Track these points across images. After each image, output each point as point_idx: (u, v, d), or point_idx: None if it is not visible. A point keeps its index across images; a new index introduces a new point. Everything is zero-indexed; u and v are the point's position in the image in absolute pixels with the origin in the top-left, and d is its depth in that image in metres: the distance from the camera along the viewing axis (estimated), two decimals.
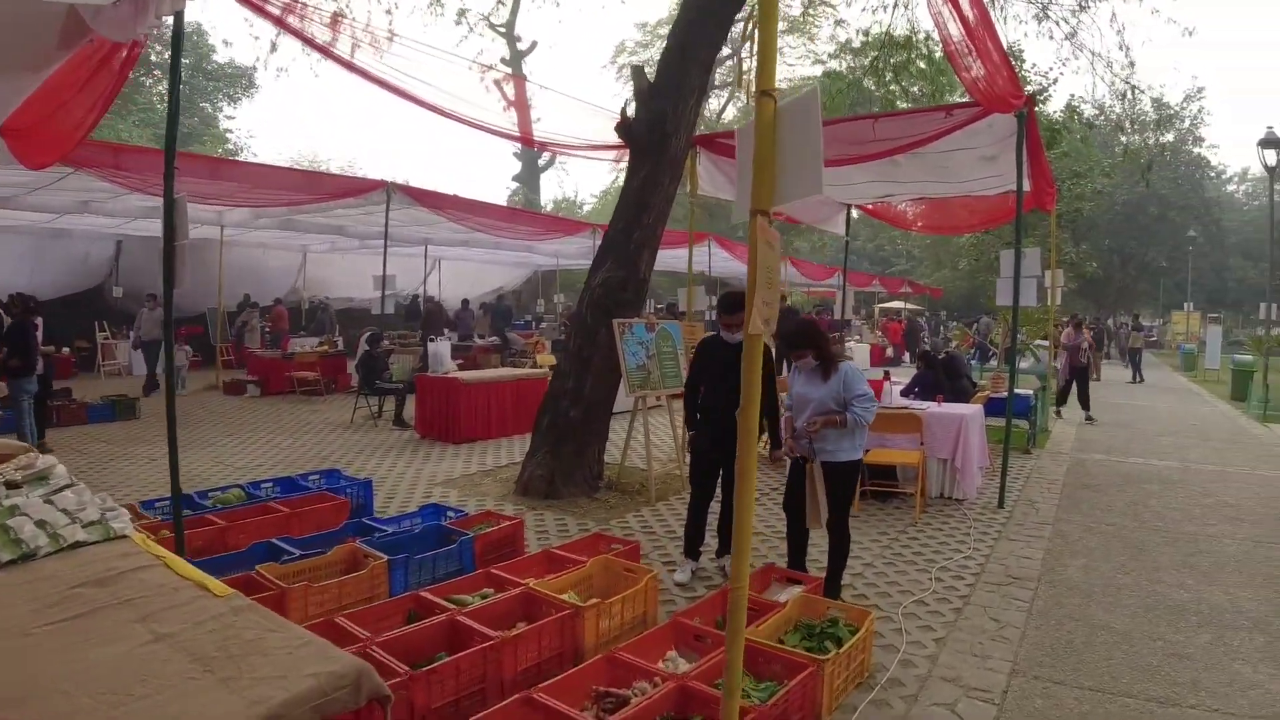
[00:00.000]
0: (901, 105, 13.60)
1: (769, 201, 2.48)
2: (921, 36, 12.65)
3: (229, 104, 39.66)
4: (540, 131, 11.44)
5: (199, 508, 6.86)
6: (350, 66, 7.97)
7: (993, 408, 10.38)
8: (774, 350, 6.96)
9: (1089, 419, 15.05)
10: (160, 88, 37.14)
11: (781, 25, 39.08)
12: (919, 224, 15.90)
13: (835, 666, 3.97)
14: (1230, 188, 65.66)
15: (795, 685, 3.71)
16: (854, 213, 14.95)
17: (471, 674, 3.94)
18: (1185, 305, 43.28)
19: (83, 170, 10.63)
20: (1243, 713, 4.19)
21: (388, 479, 9.19)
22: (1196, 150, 49.01)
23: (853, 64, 15.77)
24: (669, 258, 18.95)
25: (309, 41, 7.84)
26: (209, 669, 2.30)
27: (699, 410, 6.14)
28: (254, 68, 37.03)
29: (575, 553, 5.53)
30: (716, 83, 44.56)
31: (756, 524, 7.44)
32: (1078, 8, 11.62)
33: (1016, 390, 10.44)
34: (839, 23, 28.91)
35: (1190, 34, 12.71)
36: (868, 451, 8.08)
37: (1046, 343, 16.37)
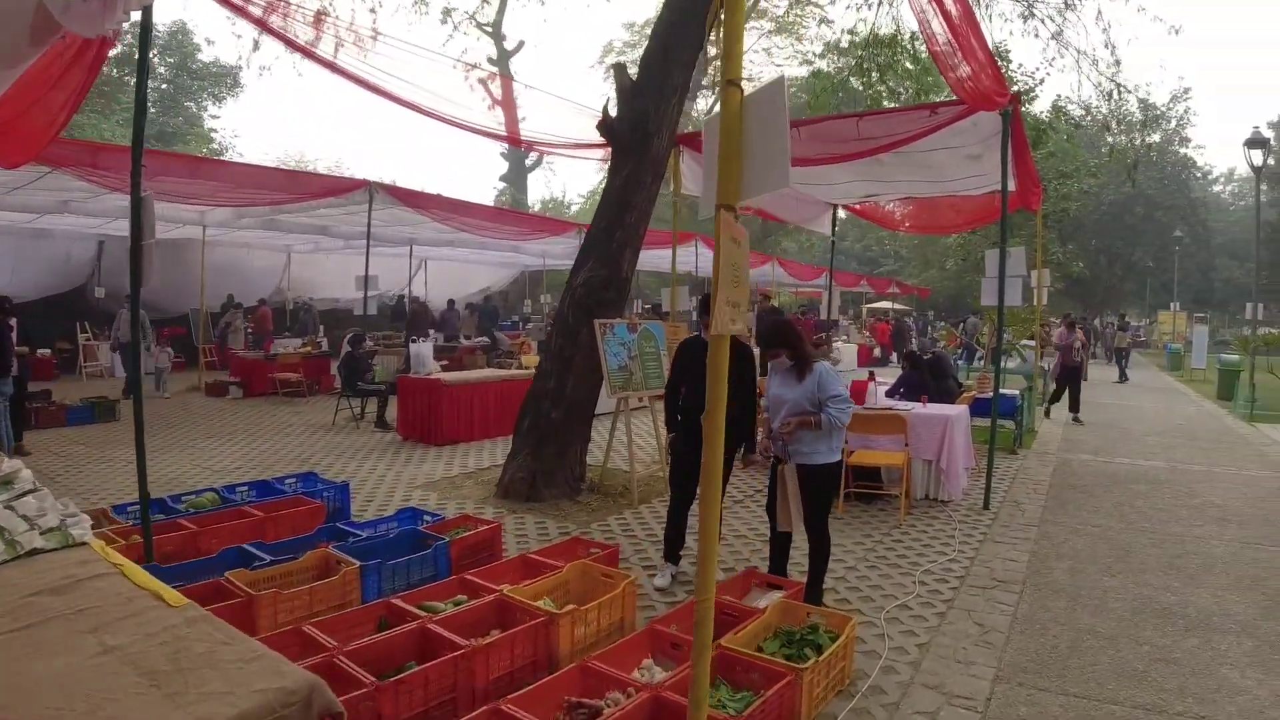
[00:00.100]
0: (888, 105, 13.53)
1: (735, 196, 2.38)
2: (907, 35, 12.57)
3: (214, 103, 39.38)
4: (526, 131, 11.37)
5: (172, 512, 6.75)
6: (332, 67, 7.88)
7: (979, 408, 10.32)
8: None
9: (1076, 419, 15.00)
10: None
11: (769, 26, 39.46)
12: (906, 224, 15.86)
13: (814, 675, 3.87)
14: (1217, 188, 66.04)
15: (772, 695, 3.62)
16: (841, 213, 14.89)
17: (441, 684, 3.84)
18: (1172, 305, 43.36)
19: (60, 170, 10.49)
20: (1230, 719, 4.11)
21: (367, 481, 9.07)
22: (1183, 151, 49.22)
23: (839, 64, 15.71)
24: (654, 257, 18.87)
25: (290, 42, 7.75)
26: (156, 683, 2.22)
27: (680, 412, 6.04)
28: (239, 67, 36.81)
29: (552, 557, 5.42)
30: (705, 83, 44.58)
31: (740, 527, 7.38)
32: (1064, 5, 11.55)
33: (1002, 390, 10.38)
34: (823, 21, 28.77)
35: (1177, 32, 12.67)
36: (852, 453, 8.04)
37: (1033, 342, 16.34)
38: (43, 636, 2.47)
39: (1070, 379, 15.40)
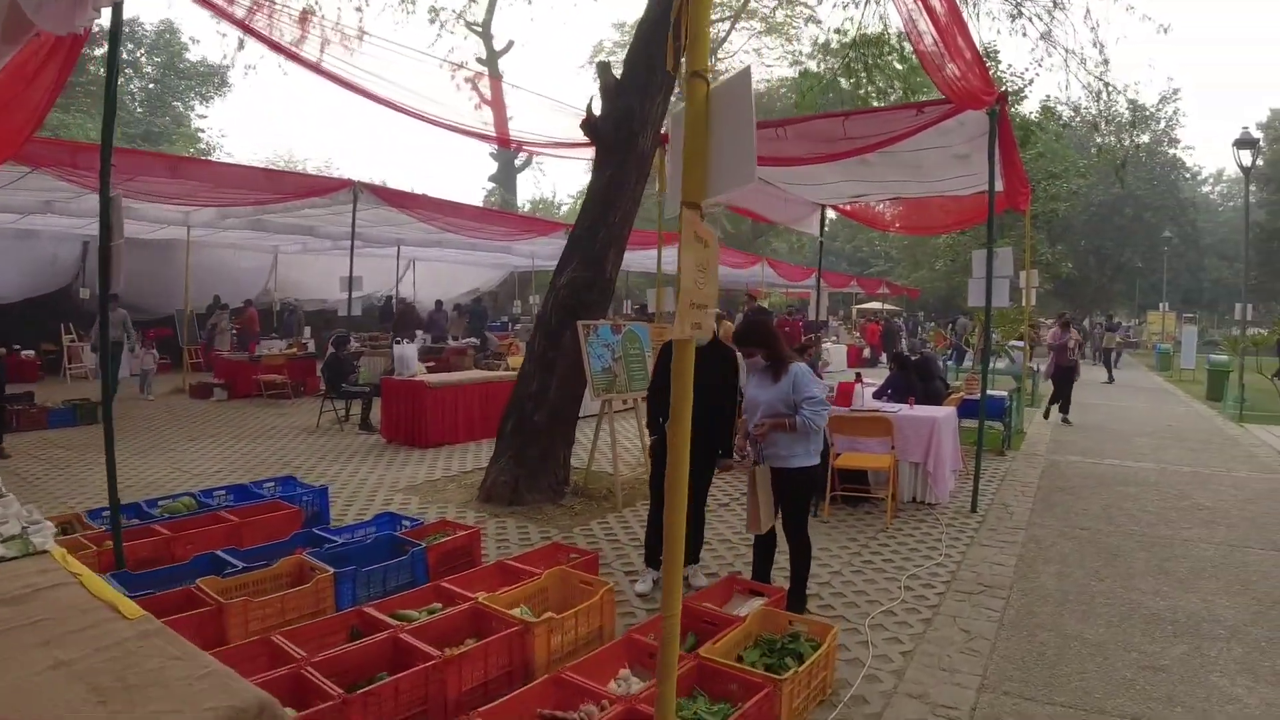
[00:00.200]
0: (876, 105, 13.46)
1: (701, 193, 2.28)
2: (895, 33, 12.51)
3: (201, 103, 39.22)
4: (513, 130, 11.26)
5: (147, 517, 6.64)
6: (316, 69, 7.78)
7: (967, 409, 10.25)
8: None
9: (1065, 420, 14.93)
10: (132, 85, 36.75)
11: (760, 26, 39.38)
12: (896, 225, 15.85)
13: (794, 686, 3.78)
14: (1206, 189, 66.26)
15: (750, 707, 3.52)
16: (831, 214, 14.82)
17: (412, 695, 3.74)
18: (1161, 305, 43.44)
19: (40, 170, 10.38)
20: None
21: (349, 485, 8.96)
22: (1172, 152, 49.32)
23: (830, 65, 15.64)
24: (643, 258, 18.77)
25: (273, 44, 7.63)
26: (103, 700, 2.18)
27: (663, 415, 5.95)
28: (226, 66, 36.64)
29: (531, 564, 5.31)
30: None
31: (725, 531, 7.29)
32: (1052, 4, 11.49)
33: (991, 392, 10.31)
34: (810, 20, 28.72)
35: (1165, 31, 12.61)
36: (838, 455, 7.95)
37: (1021, 343, 16.28)
38: None
39: (1064, 379, 15.28)
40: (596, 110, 8.43)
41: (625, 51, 8.98)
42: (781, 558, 5.59)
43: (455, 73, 11.80)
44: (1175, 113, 46.77)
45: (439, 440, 11.34)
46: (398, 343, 14.28)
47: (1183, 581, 6.23)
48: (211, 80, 38.24)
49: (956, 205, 13.06)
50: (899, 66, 13.61)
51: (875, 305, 43.99)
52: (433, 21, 18.90)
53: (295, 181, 14.56)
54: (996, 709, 4.18)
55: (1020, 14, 11.76)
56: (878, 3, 12.56)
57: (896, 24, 12.80)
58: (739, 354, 5.61)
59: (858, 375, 9.77)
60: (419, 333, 21.48)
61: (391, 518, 6.51)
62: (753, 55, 39.68)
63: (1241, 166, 17.86)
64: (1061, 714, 4.14)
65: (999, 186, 9.54)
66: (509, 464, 8.20)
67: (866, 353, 29.58)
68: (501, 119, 11.44)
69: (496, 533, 7.19)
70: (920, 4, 6.67)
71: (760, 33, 41.33)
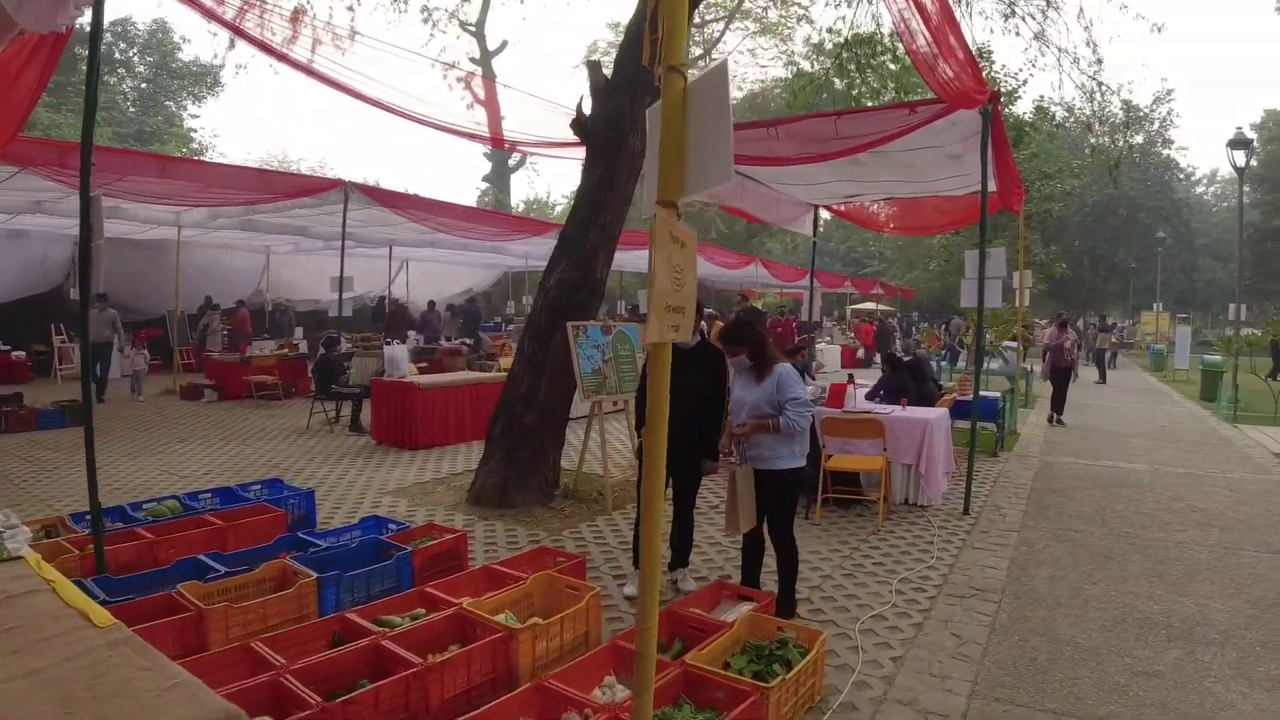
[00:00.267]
0: (868, 105, 13.40)
1: (677, 191, 2.21)
2: (887, 32, 12.45)
3: (194, 103, 39.07)
4: (505, 130, 11.19)
5: (131, 520, 6.55)
6: (308, 71, 7.72)
7: (960, 410, 10.19)
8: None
9: (1058, 421, 14.88)
10: (124, 85, 36.62)
11: (754, 27, 39.34)
12: (891, 225, 15.79)
13: (781, 693, 3.71)
14: (1199, 189, 66.39)
15: (736, 715, 3.46)
16: (826, 214, 14.77)
17: (392, 704, 3.67)
18: (1155, 306, 43.49)
19: (28, 170, 10.30)
20: None
21: (337, 487, 8.88)
22: (1165, 152, 49.41)
23: (823, 64, 15.59)
24: (637, 258, 18.73)
25: (262, 45, 7.56)
26: (70, 711, 2.16)
27: None
28: (219, 66, 36.54)
29: (516, 568, 5.24)
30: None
31: (715, 535, 7.22)
32: (1045, 4, 11.44)
33: (984, 393, 10.25)
34: (802, 18, 28.66)
35: (1159, 30, 12.57)
36: (830, 457, 7.89)
37: (1015, 344, 16.23)
38: None
39: (1061, 380, 15.21)
40: (587, 110, 8.36)
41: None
42: (771, 561, 5.54)
43: (447, 72, 11.76)
44: (1169, 113, 46.99)
45: (429, 442, 11.27)
46: (387, 343, 14.19)
47: (1176, 585, 6.19)
48: (204, 80, 38.09)
49: (951, 205, 13.01)
50: (892, 67, 13.57)
51: (869, 306, 43.96)
52: (426, 21, 18.88)
53: (285, 181, 14.46)
54: (987, 716, 4.13)
55: (1013, 13, 11.72)
56: (870, 1, 12.50)
57: (889, 23, 12.76)
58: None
59: (850, 376, 9.71)
60: (411, 333, 21.39)
61: (377, 521, 6.44)
62: (747, 56, 39.65)
63: (1236, 167, 17.83)
64: None
65: (992, 187, 9.48)
66: (498, 466, 8.13)
67: (861, 353, 29.53)
68: (495, 119, 11.39)
69: (485, 536, 7.12)
70: (911, 2, 6.61)
71: (755, 33, 41.32)
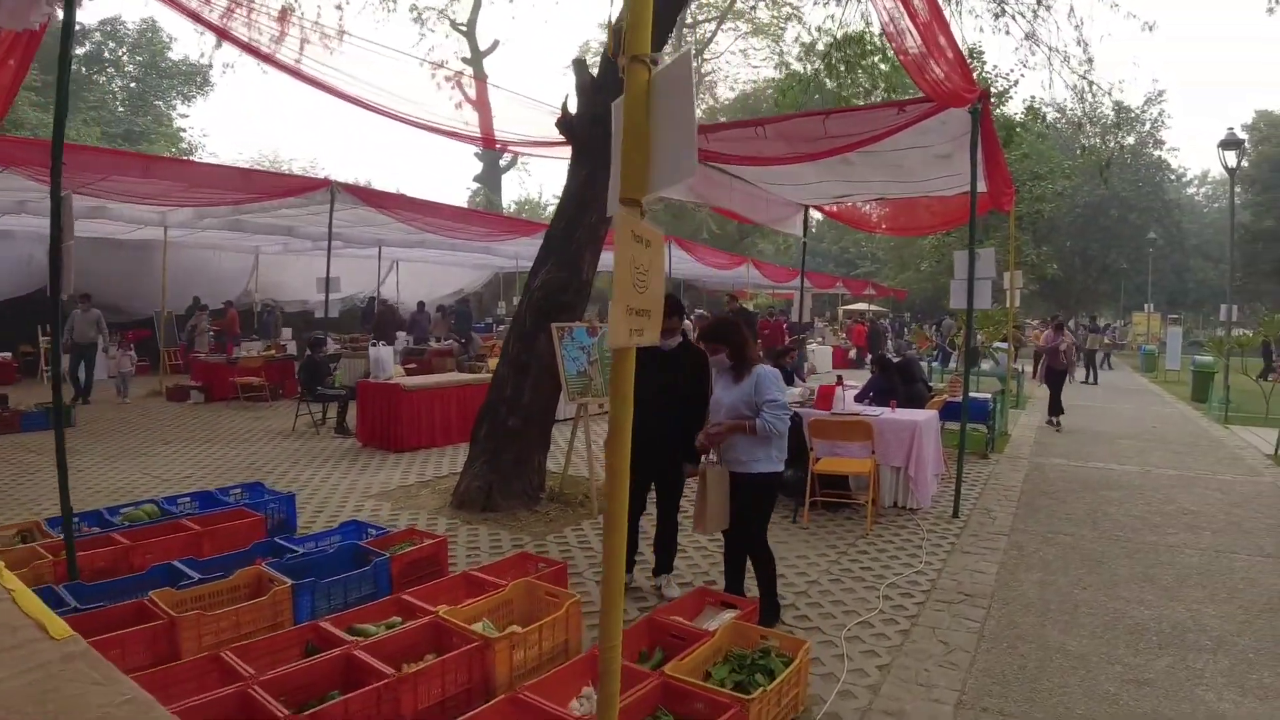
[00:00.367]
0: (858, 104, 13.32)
1: (641, 188, 2.12)
2: (877, 32, 12.38)
3: (183, 102, 38.87)
4: (494, 130, 11.10)
5: (108, 525, 6.44)
6: (296, 73, 7.61)
7: (951, 412, 10.12)
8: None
9: (1057, 425, 14.79)
10: (114, 85, 36.44)
11: (746, 28, 39.29)
12: (883, 226, 15.73)
13: (763, 705, 3.61)
14: (1190, 190, 66.56)
15: None
16: (818, 215, 14.70)
17: (364, 716, 3.57)
18: (1146, 306, 43.55)
19: (11, 169, 10.17)
20: None
21: (320, 490, 8.77)
22: (1157, 153, 49.48)
23: (814, 65, 15.52)
24: None
25: (247, 47, 7.46)
26: None
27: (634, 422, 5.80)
28: (208, 66, 36.35)
29: (497, 575, 5.14)
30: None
31: (702, 539, 7.11)
32: (1036, 3, 11.37)
33: (975, 394, 10.17)
34: (792, 17, 28.60)
35: (1150, 28, 12.52)
36: (818, 460, 7.80)
37: (1006, 344, 16.16)
38: None
39: (1057, 383, 15.09)
40: (573, 109, 8.27)
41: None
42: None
43: (435, 72, 11.65)
44: (1160, 114, 47.06)
45: (415, 444, 11.16)
46: (373, 345, 14.07)
47: (1168, 589, 6.10)
48: (194, 79, 37.90)
49: (942, 206, 12.97)
50: (884, 67, 13.50)
51: (861, 306, 43.93)
52: (416, 21, 18.77)
53: (271, 181, 14.35)
54: None
55: (1003, 12, 11.65)
56: (860, 0, 12.43)
57: (876, 20, 12.69)
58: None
59: (839, 378, 9.63)
60: (401, 334, 21.28)
61: (357, 526, 6.34)
62: (739, 56, 39.66)
63: (1227, 167, 17.81)
64: None
65: (982, 187, 9.41)
66: (482, 469, 8.03)
67: (853, 354, 29.47)
68: (484, 119, 11.28)
69: (468, 540, 7.02)
70: (899, 1, 6.53)
71: (746, 34, 41.31)
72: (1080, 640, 5.12)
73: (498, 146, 14.92)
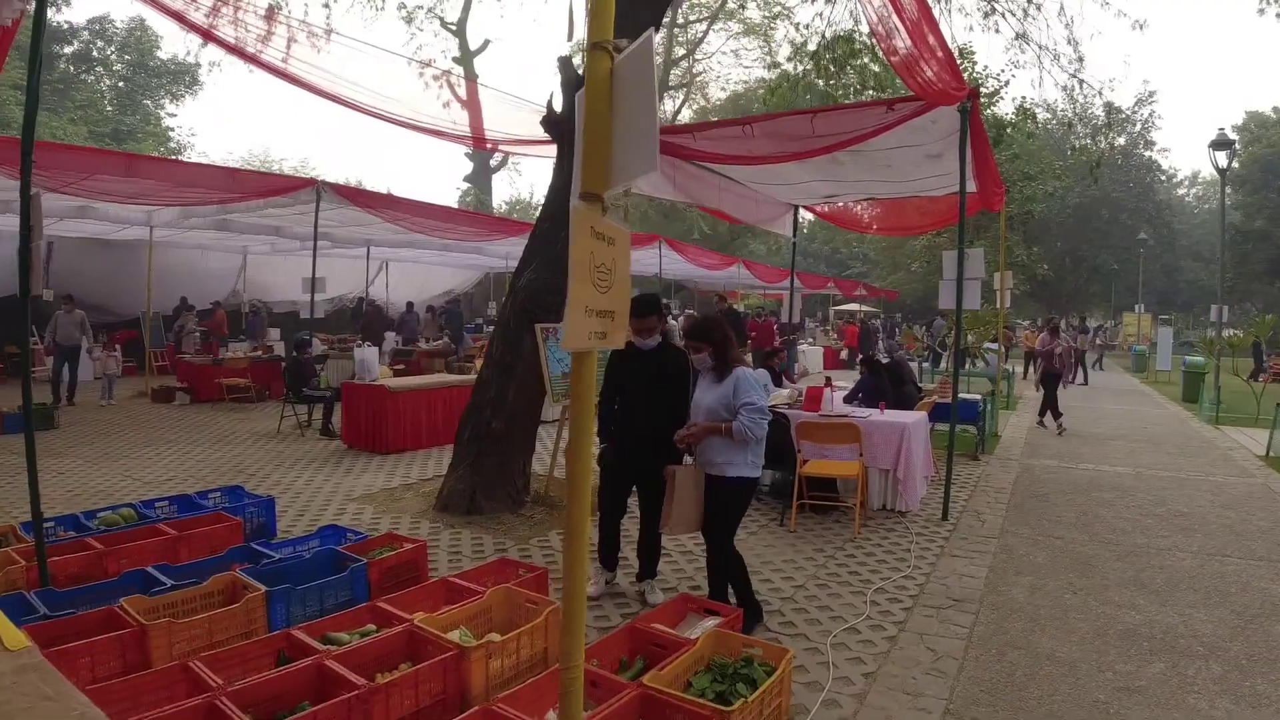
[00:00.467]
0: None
1: (603, 183, 2.02)
2: (866, 31, 12.30)
3: (171, 101, 38.66)
4: (484, 129, 11.01)
5: (84, 529, 6.31)
6: (283, 75, 7.51)
7: (941, 413, 10.04)
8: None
9: (1041, 422, 14.73)
10: (102, 84, 36.25)
11: (738, 28, 39.25)
12: (874, 226, 15.66)
13: (744, 716, 3.51)
14: (1181, 191, 66.76)
15: None
16: (809, 215, 14.63)
17: None
18: (1137, 307, 43.60)
19: None
20: None
21: (303, 494, 8.65)
22: (1148, 154, 49.65)
23: (804, 65, 15.46)
24: None
25: (231, 48, 7.35)
26: None
27: (615, 427, 5.72)
28: (195, 65, 36.17)
29: (475, 581, 5.02)
30: (672, 84, 44.35)
31: (687, 543, 7.01)
32: (1027, 1, 11.29)
33: (965, 395, 10.09)
34: (780, 15, 28.55)
35: (1141, 26, 12.44)
36: (805, 463, 7.71)
37: (996, 345, 16.09)
38: None
39: (1052, 385, 14.97)
40: (558, 106, 8.16)
41: None
42: (755, 577, 5.35)
43: (424, 70, 11.53)
44: (1151, 115, 47.24)
45: (400, 446, 11.05)
46: (358, 346, 13.94)
47: (1159, 594, 6.03)
48: (182, 79, 37.72)
49: (932, 206, 12.91)
50: (876, 69, 13.43)
51: (853, 307, 43.91)
52: (405, 20, 18.64)
53: (256, 181, 14.17)
54: None
55: (993, 10, 11.57)
56: None
57: (864, 18, 12.61)
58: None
59: (827, 379, 9.54)
60: (390, 334, 21.15)
61: (336, 531, 6.21)
62: (730, 57, 39.65)
63: (1217, 168, 17.79)
64: None
65: (972, 186, 9.33)
66: (466, 472, 7.92)
67: (844, 355, 29.41)
68: (476, 118, 11.18)
69: (450, 545, 6.91)
70: (890, 4, 6.45)
71: (738, 34, 41.25)
72: (1070, 647, 5.03)
73: (488, 146, 14.78)
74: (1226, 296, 20.86)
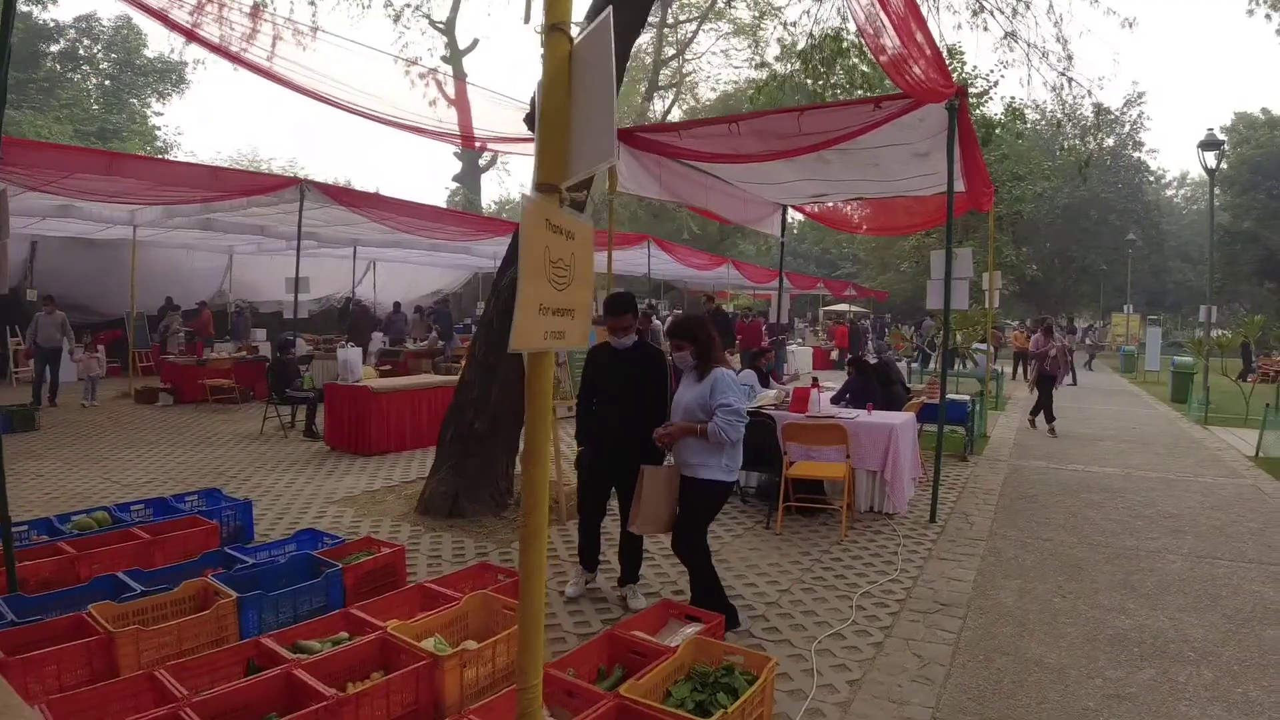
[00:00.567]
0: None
1: (561, 173, 1.91)
2: (854, 30, 12.23)
3: (158, 100, 38.38)
4: (473, 128, 10.89)
5: (57, 533, 6.18)
6: (269, 74, 7.38)
7: (929, 414, 9.96)
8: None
9: (1032, 422, 14.65)
10: (89, 83, 35.99)
11: (728, 28, 39.22)
12: (864, 227, 15.61)
13: None
14: (1169, 192, 66.98)
15: None
16: (799, 216, 14.56)
17: None
18: (1125, 308, 43.65)
19: None
20: None
21: (284, 496, 8.53)
22: (1136, 155, 49.78)
23: (792, 65, 15.39)
24: (600, 259, 18.36)
25: (214, 47, 7.22)
26: None
27: (593, 428, 5.62)
28: (182, 63, 35.93)
29: (453, 587, 4.91)
30: (662, 84, 44.28)
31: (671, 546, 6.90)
32: (1017, 1, 11.23)
33: (954, 395, 10.01)
34: (766, 13, 28.49)
35: (1130, 25, 12.40)
36: (792, 464, 7.62)
37: (985, 345, 16.03)
38: None
39: (1046, 387, 14.85)
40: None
41: None
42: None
43: (410, 69, 11.42)
44: (1140, 116, 47.39)
45: (384, 448, 10.93)
46: (342, 346, 13.81)
47: (1149, 597, 5.94)
48: (169, 77, 37.45)
49: (920, 206, 12.86)
50: (865, 69, 13.36)
51: (842, 307, 43.88)
52: (394, 19, 18.49)
53: (239, 179, 14.00)
54: None
55: (982, 8, 11.51)
56: None
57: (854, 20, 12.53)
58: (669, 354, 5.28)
59: (814, 380, 9.45)
60: (377, 335, 21.02)
61: (313, 535, 6.08)
62: (720, 57, 39.65)
63: (1206, 168, 17.77)
64: None
65: (960, 186, 9.26)
66: (448, 474, 7.82)
67: (835, 355, 29.35)
68: (465, 117, 11.07)
69: (430, 549, 6.80)
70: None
71: (728, 34, 41.23)
72: (1059, 652, 4.95)
73: (476, 145, 14.67)
74: (1215, 297, 20.82)
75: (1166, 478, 10.28)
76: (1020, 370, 25.69)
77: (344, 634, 4.31)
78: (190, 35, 7.25)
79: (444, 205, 37.63)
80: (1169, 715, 4.16)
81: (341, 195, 13.89)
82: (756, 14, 33.17)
